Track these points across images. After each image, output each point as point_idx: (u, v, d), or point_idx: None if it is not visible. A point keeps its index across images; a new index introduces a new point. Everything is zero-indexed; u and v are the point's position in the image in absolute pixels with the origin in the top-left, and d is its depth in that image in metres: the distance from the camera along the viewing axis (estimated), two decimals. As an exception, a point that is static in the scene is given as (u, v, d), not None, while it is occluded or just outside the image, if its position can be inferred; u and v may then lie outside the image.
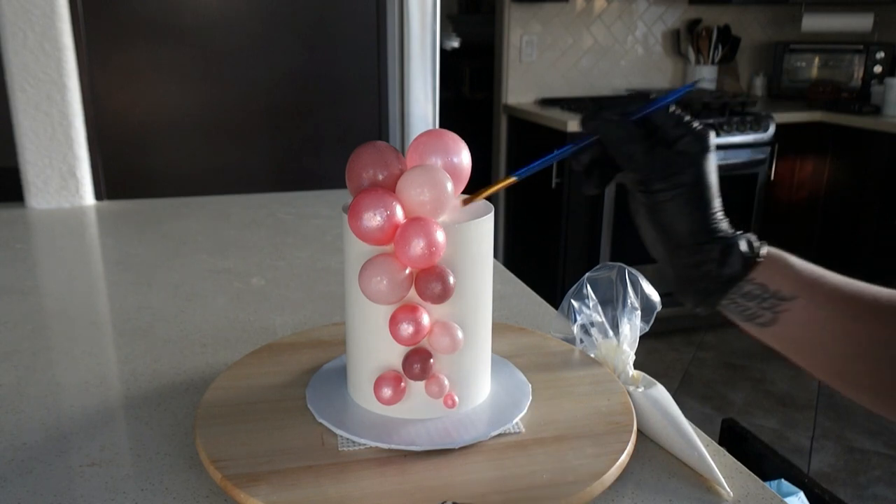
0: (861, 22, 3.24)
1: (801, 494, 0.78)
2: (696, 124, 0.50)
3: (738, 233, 0.50)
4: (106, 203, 1.36)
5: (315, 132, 1.48)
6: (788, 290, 0.47)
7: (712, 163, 0.50)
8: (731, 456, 0.57)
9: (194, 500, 0.51)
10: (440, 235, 0.51)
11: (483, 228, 0.55)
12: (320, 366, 0.65)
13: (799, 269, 0.48)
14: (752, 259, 0.48)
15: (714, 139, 0.50)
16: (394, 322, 0.53)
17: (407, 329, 0.52)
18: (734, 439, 0.97)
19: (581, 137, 0.52)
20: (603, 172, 0.52)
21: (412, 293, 0.52)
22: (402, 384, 0.55)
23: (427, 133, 0.56)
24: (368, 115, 1.49)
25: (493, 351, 0.62)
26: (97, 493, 0.52)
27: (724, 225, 0.50)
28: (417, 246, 0.50)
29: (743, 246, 0.49)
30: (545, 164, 0.52)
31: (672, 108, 0.50)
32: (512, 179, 0.51)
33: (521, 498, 0.48)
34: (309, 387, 0.61)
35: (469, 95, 3.71)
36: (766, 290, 0.48)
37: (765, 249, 0.49)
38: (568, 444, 0.54)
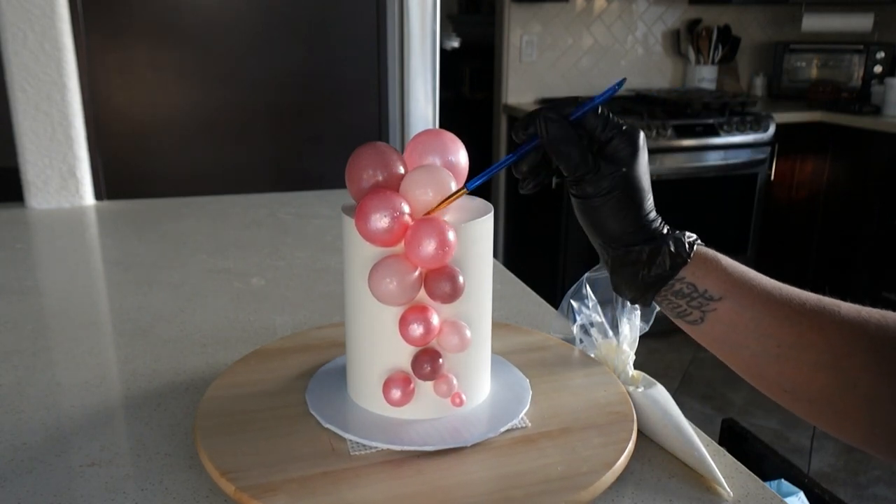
0: (861, 22, 3.24)
1: (801, 494, 0.78)
2: (625, 126, 0.50)
3: (670, 232, 0.51)
4: (106, 203, 1.36)
5: (315, 132, 1.48)
6: (716, 290, 0.49)
7: (643, 164, 0.51)
8: (731, 456, 0.57)
9: (194, 500, 0.51)
10: (451, 235, 0.51)
11: (483, 228, 0.55)
12: (312, 370, 0.65)
13: (729, 271, 0.49)
14: (680, 260, 0.50)
15: (643, 139, 0.51)
16: (404, 323, 0.53)
17: (417, 329, 0.52)
18: (734, 439, 0.97)
19: (521, 144, 0.52)
20: (539, 177, 0.53)
21: (421, 293, 0.52)
22: (412, 385, 0.55)
23: (425, 132, 0.57)
24: (368, 115, 1.49)
25: (493, 350, 0.62)
26: (97, 493, 0.52)
27: (655, 225, 0.51)
28: (429, 246, 0.50)
29: (671, 247, 0.50)
30: (493, 173, 0.53)
31: (600, 110, 0.51)
32: (463, 191, 0.52)
33: (540, 491, 0.49)
34: (308, 392, 0.61)
35: (469, 95, 3.71)
36: (696, 290, 0.49)
37: (695, 250, 0.50)
38: (575, 436, 0.55)
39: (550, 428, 0.56)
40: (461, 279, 0.52)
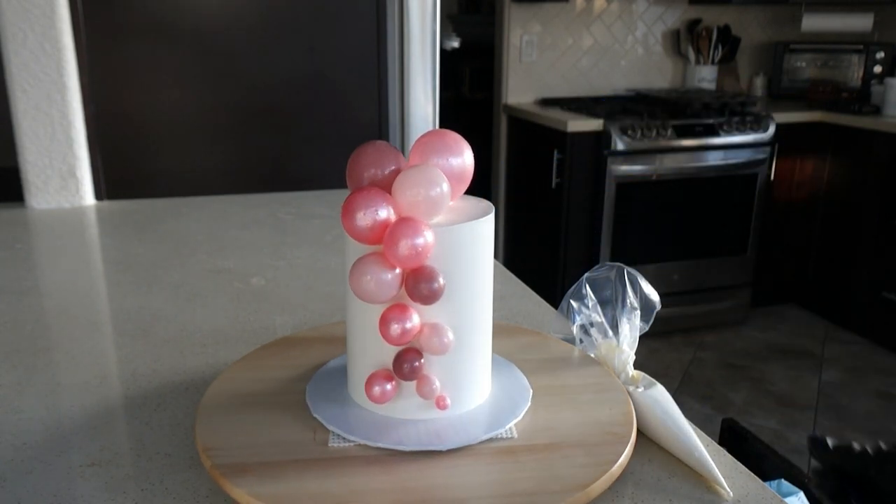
0: (861, 22, 3.24)
1: (801, 494, 0.78)
2: None
3: None
4: (106, 203, 1.36)
5: (315, 132, 1.48)
6: None
7: None
8: (731, 456, 0.57)
9: (194, 500, 0.51)
10: (429, 236, 0.51)
11: (480, 230, 0.55)
12: (312, 370, 0.65)
13: None
14: None
15: None
16: (384, 321, 0.53)
17: (395, 329, 0.52)
18: (734, 439, 0.97)
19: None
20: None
21: (405, 293, 0.52)
22: (392, 383, 0.55)
23: (430, 133, 0.57)
24: (368, 115, 1.49)
25: (493, 351, 0.62)
26: (97, 493, 0.52)
27: None
28: (405, 246, 0.50)
29: None
30: None
31: None
32: None
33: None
34: (310, 382, 0.62)
35: (469, 95, 3.71)
36: None
37: None
38: (559, 453, 0.53)
39: (538, 441, 0.55)
40: (441, 281, 0.52)
